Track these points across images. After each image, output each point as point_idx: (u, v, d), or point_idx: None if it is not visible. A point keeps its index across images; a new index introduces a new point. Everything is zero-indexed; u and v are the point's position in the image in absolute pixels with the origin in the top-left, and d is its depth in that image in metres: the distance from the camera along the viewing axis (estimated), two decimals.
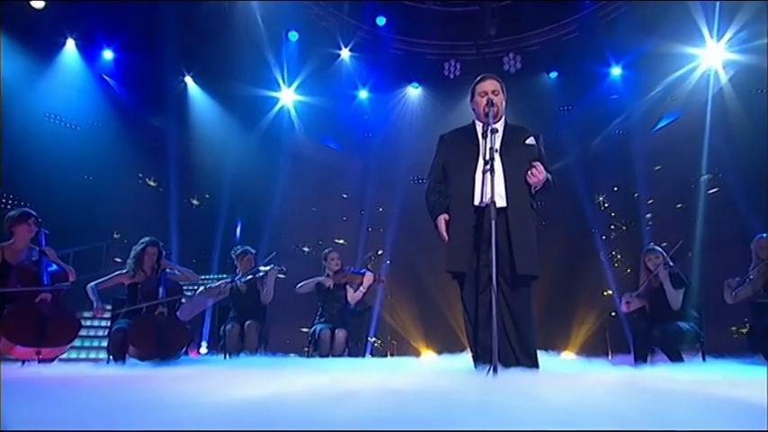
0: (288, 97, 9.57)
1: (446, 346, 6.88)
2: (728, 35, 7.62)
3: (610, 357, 6.86)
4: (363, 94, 9.77)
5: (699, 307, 4.56)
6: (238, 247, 5.43)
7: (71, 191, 7.54)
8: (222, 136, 8.99)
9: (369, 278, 5.18)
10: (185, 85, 8.99)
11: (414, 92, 9.84)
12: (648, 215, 8.59)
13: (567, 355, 7.90)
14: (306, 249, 8.85)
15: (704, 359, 4.37)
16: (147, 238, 4.80)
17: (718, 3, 7.37)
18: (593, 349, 7.67)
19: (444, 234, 2.89)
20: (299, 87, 9.43)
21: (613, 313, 8.16)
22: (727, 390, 1.90)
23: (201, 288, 5.46)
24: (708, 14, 7.58)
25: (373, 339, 8.61)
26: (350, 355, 5.14)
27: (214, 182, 9.11)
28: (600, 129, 9.14)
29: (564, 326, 8.42)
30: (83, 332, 6.48)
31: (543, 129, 3.12)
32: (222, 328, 5.06)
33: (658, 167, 8.70)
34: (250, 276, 5.16)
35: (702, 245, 7.34)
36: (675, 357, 4.34)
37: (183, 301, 6.99)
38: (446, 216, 2.90)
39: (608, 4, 8.40)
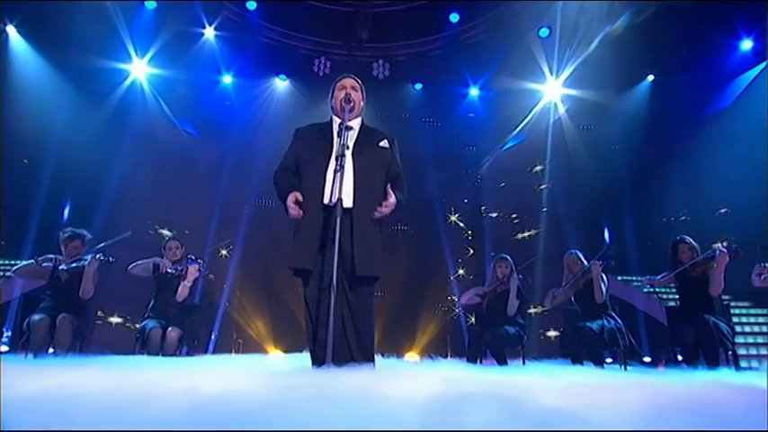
0: (140, 71, 8.66)
1: (294, 344, 6.74)
2: (565, 74, 8.73)
3: (448, 358, 7.32)
4: (227, 79, 9.23)
5: (524, 314, 5.07)
6: (68, 229, 4.74)
7: None
8: (51, 101, 7.71)
9: (192, 271, 4.63)
10: (6, 35, 7.61)
11: (281, 84, 9.55)
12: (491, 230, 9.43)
13: (411, 356, 8.30)
14: (146, 237, 8.03)
15: (524, 362, 4.84)
16: None
17: (557, 44, 8.40)
18: (434, 351, 8.12)
19: (296, 211, 2.71)
20: (153, 62, 8.56)
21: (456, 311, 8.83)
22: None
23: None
24: (548, 54, 8.64)
25: (215, 336, 8.13)
26: (188, 353, 4.74)
27: (35, 152, 7.81)
28: (456, 143, 9.80)
29: (409, 329, 8.82)
30: None
31: (404, 137, 3.15)
32: (27, 321, 4.31)
33: (503, 184, 9.61)
34: (74, 264, 4.52)
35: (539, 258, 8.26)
36: (501, 360, 4.76)
37: None
38: (298, 194, 2.72)
39: (469, 29, 9.00)
